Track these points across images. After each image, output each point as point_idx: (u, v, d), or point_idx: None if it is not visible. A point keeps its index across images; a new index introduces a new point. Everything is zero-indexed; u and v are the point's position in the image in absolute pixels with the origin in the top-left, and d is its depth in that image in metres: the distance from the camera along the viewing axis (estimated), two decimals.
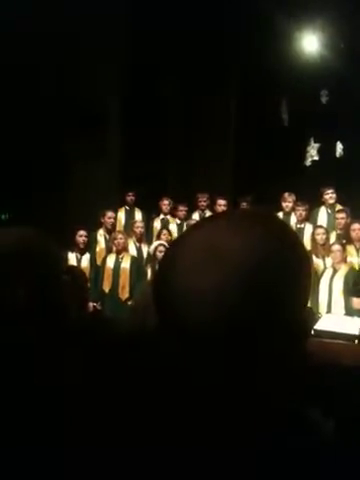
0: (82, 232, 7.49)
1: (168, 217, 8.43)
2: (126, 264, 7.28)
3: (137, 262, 7.38)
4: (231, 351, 0.65)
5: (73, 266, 5.89)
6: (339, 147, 11.57)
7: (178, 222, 8.36)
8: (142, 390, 0.75)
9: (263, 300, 0.65)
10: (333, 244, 6.89)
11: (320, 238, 7.05)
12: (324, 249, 6.99)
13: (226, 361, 0.66)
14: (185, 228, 8.15)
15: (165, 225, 8.21)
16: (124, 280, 7.20)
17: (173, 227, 8.21)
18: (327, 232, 7.16)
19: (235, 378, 0.66)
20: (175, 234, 7.80)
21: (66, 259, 7.02)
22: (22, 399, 0.93)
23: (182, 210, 8.35)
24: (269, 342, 0.66)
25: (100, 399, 0.82)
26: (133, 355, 0.98)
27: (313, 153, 11.72)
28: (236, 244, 0.66)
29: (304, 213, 7.69)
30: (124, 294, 7.10)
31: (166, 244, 7.03)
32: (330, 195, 7.82)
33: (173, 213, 8.42)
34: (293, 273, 0.68)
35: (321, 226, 7.35)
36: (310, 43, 10.05)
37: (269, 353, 0.66)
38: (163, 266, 0.71)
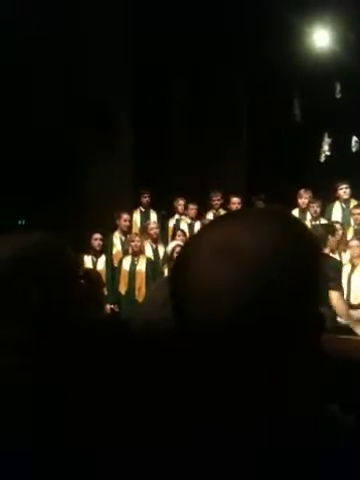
0: (97, 235, 7.52)
1: (183, 217, 8.45)
2: (142, 266, 7.31)
3: (153, 264, 7.41)
4: (246, 347, 0.65)
5: (89, 269, 5.92)
6: (353, 141, 11.49)
7: (189, 221, 8.39)
8: (156, 387, 0.75)
9: (278, 297, 0.65)
10: (351, 240, 6.83)
11: (337, 234, 6.99)
12: (341, 245, 6.93)
13: (241, 357, 0.66)
14: (198, 227, 8.17)
15: (179, 225, 8.23)
16: (140, 282, 7.24)
17: (184, 227, 8.22)
18: (344, 228, 7.11)
19: (250, 374, 0.66)
20: (187, 234, 7.81)
21: (82, 263, 7.06)
22: (26, 399, 0.93)
23: (192, 209, 8.39)
24: (283, 338, 0.66)
25: (110, 398, 0.83)
26: (148, 354, 0.99)
27: (326, 148, 11.64)
28: (250, 242, 0.66)
29: (318, 209, 7.66)
30: (141, 296, 7.12)
31: (182, 244, 7.03)
32: (344, 190, 7.77)
33: (185, 213, 8.46)
34: (307, 270, 0.68)
35: (338, 222, 7.30)
36: (321, 38, 9.99)
37: (283, 349, 0.66)
38: (178, 264, 0.71)
